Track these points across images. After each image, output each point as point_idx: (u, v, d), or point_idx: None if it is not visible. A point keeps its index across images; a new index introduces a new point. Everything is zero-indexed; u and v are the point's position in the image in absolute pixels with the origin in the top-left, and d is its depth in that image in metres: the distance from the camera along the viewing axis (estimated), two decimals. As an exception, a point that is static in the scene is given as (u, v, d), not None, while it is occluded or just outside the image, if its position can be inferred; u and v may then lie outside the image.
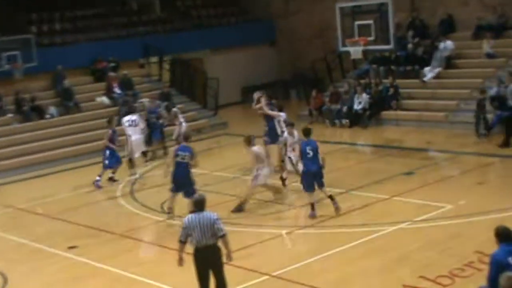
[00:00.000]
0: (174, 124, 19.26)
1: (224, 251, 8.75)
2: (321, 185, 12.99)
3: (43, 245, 12.97)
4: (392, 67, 23.67)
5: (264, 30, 29.91)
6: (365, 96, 22.48)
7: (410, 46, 23.56)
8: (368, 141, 20.87)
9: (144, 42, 25.93)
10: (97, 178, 16.79)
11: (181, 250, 8.82)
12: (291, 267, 10.61)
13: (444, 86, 22.28)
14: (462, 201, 13.16)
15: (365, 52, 21.94)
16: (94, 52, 24.57)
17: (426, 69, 22.68)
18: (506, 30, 22.58)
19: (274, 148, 16.07)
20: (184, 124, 19.29)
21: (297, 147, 14.39)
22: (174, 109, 19.59)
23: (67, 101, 22.77)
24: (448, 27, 23.81)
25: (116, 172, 17.19)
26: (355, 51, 20.59)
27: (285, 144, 15.18)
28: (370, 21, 20.45)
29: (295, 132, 14.79)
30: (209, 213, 8.65)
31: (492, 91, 19.37)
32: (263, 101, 16.10)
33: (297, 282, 10.06)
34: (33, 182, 18.82)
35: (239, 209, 13.76)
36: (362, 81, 23.53)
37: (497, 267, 6.84)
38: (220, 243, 8.70)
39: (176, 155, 13.21)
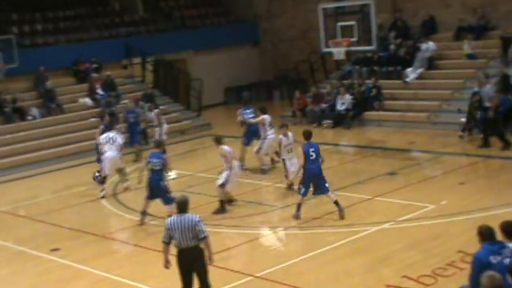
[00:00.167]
0: (153, 126, 19.18)
1: (206, 253, 8.72)
2: (324, 191, 12.84)
3: (26, 248, 12.88)
4: (375, 68, 23.80)
5: (247, 31, 29.95)
6: (348, 97, 22.56)
7: (392, 47, 23.69)
8: (351, 142, 20.95)
9: (127, 43, 25.84)
10: (97, 174, 16.54)
11: (165, 252, 8.79)
12: (275, 268, 10.62)
13: (426, 86, 22.43)
14: (445, 201, 13.25)
15: (348, 53, 22.04)
16: (76, 53, 24.45)
17: (409, 70, 22.81)
18: (487, 32, 22.79)
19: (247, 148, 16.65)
20: (165, 125, 19.25)
21: (291, 148, 14.42)
22: (156, 110, 19.52)
23: (49, 103, 22.62)
24: (430, 28, 23.98)
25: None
26: (338, 52, 20.71)
27: (280, 145, 14.96)
28: (353, 22, 20.59)
29: (290, 133, 14.75)
30: (191, 215, 8.59)
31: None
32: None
33: (281, 283, 10.08)
34: (15, 184, 18.68)
35: (221, 210, 13.74)
36: (345, 82, 23.62)
37: (479, 266, 6.87)
38: (202, 245, 8.67)
39: (148, 162, 13.22)
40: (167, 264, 8.83)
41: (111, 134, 15.75)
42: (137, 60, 26.45)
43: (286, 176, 14.88)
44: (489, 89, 18.98)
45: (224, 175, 13.71)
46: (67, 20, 26.34)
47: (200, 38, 28.01)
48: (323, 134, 21.68)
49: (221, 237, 12.32)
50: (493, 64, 21.40)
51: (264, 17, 29.83)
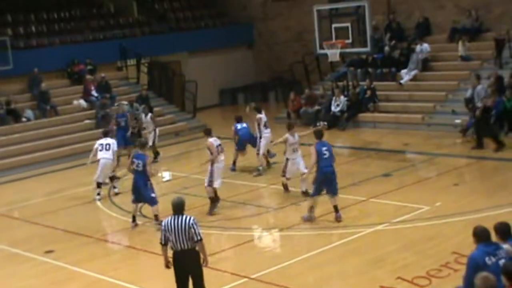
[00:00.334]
0: (147, 130, 19.10)
1: (201, 255, 8.69)
2: (334, 192, 12.70)
3: (20, 250, 12.85)
4: (369, 69, 23.83)
5: (242, 33, 29.95)
6: (342, 98, 22.58)
7: (387, 48, 23.72)
8: (346, 143, 20.96)
9: (122, 44, 25.81)
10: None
11: (164, 253, 8.75)
12: (270, 270, 10.62)
13: (420, 88, 22.48)
14: (439, 202, 13.28)
15: (342, 55, 22.06)
16: (71, 55, 24.41)
17: (403, 71, 22.85)
18: (481, 33, 22.86)
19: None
20: (157, 130, 19.19)
21: (296, 148, 14.36)
22: (150, 114, 19.41)
23: (43, 104, 22.56)
24: (424, 30, 24.04)
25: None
26: (333, 53, 20.71)
27: (285, 143, 14.80)
28: (348, 24, 20.61)
29: (296, 134, 14.71)
30: (186, 217, 8.51)
31: (467, 94, 19.61)
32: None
33: (276, 285, 10.08)
34: (9, 186, 18.63)
35: (212, 207, 13.71)
36: (340, 84, 23.64)
37: (474, 267, 6.85)
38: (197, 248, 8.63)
39: (132, 162, 13.24)
40: (168, 264, 8.78)
41: (106, 140, 15.72)
42: (131, 62, 26.42)
43: (284, 175, 14.67)
44: (480, 89, 19.04)
45: (209, 171, 13.71)
46: (62, 22, 26.27)
47: (195, 40, 28.00)
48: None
49: (216, 239, 12.32)
50: (487, 66, 21.47)
51: (259, 19, 29.84)
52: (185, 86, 25.95)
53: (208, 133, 14.25)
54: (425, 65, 22.75)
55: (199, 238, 8.46)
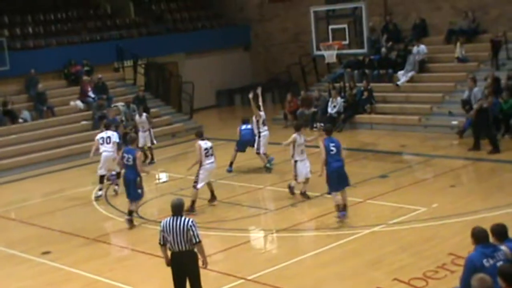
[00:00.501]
0: (140, 131, 19.06)
1: (200, 257, 8.68)
2: (347, 184, 12.71)
3: (17, 251, 12.83)
4: (366, 71, 23.85)
5: (238, 34, 29.95)
6: (339, 100, 22.59)
7: (383, 50, 23.75)
8: (342, 145, 20.74)
9: (118, 45, 25.80)
10: (113, 173, 16.42)
11: (163, 253, 8.74)
12: (267, 271, 10.62)
13: (417, 89, 22.51)
14: (436, 203, 13.29)
15: (339, 56, 22.07)
16: (68, 56, 24.38)
17: (400, 73, 22.88)
18: (478, 35, 22.90)
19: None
20: (151, 130, 19.19)
21: (304, 149, 14.35)
22: (145, 114, 19.40)
23: (40, 105, 22.54)
24: (421, 31, 24.08)
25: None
26: (329, 55, 20.72)
27: (293, 145, 14.69)
28: (344, 25, 20.62)
29: (303, 135, 14.63)
30: (185, 219, 8.49)
31: (464, 95, 19.65)
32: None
33: (273, 286, 10.08)
34: (6, 187, 18.59)
35: (190, 209, 13.61)
36: (337, 85, 23.66)
37: (471, 269, 6.84)
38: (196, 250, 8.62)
39: (123, 157, 13.39)
40: (169, 263, 8.74)
41: (107, 133, 15.79)
42: (128, 63, 26.41)
43: (296, 179, 14.34)
44: (477, 91, 19.08)
45: (196, 173, 13.79)
46: (58, 23, 26.25)
47: (192, 41, 28.00)
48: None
49: (212, 240, 12.31)
50: (484, 68, 21.51)
51: (256, 20, 29.85)
52: (182, 87, 25.95)
53: (199, 135, 14.29)
54: (422, 66, 22.79)
55: (197, 240, 8.45)
